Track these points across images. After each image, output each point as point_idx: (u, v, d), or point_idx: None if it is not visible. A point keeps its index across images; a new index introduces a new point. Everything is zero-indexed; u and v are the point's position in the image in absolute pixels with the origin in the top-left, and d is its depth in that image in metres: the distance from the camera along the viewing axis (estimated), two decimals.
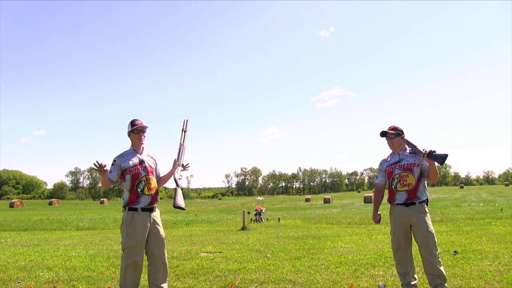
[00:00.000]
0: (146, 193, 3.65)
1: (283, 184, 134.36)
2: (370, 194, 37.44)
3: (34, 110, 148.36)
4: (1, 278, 5.02)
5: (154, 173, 3.83)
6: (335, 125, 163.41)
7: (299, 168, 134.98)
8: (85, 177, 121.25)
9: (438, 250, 3.69)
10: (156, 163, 3.92)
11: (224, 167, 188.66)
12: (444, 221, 12.57)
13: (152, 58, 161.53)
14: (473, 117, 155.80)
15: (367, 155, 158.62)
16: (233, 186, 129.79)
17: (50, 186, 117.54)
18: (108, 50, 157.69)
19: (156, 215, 3.78)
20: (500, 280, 4.21)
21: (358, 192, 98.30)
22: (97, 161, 3.43)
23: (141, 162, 3.73)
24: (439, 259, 3.67)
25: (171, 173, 3.90)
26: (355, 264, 5.38)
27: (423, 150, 3.70)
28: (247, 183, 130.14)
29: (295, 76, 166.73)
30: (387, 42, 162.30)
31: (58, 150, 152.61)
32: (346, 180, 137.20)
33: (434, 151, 3.61)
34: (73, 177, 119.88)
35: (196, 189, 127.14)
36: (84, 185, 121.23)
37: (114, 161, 3.64)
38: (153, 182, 3.75)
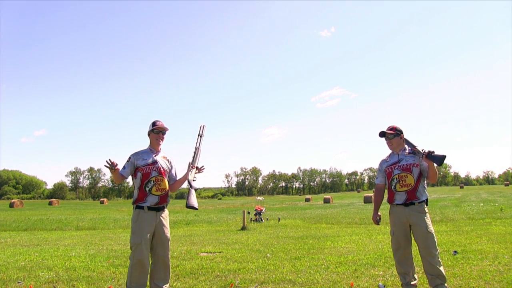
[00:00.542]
0: (154, 193, 3.68)
1: (283, 184, 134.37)
2: (370, 194, 37.44)
3: (34, 110, 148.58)
4: (1, 278, 5.02)
5: (167, 175, 3.85)
6: (335, 125, 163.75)
7: (299, 168, 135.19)
8: (85, 177, 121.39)
9: (438, 250, 3.69)
10: (171, 166, 3.94)
11: (224, 167, 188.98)
12: (444, 221, 12.57)
13: (152, 58, 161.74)
14: (473, 117, 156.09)
15: (367, 155, 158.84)
16: (233, 186, 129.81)
17: (50, 186, 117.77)
18: (108, 50, 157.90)
19: (164, 215, 3.79)
20: (500, 280, 4.21)
21: (358, 192, 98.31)
22: (109, 159, 3.50)
23: (154, 162, 3.77)
24: (439, 259, 3.67)
25: (186, 176, 3.94)
26: (355, 264, 5.38)
27: (422, 150, 3.71)
28: (247, 183, 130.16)
29: (296, 76, 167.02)
30: (388, 42, 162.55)
31: (58, 150, 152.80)
32: (346, 180, 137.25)
33: (433, 152, 3.61)
34: (73, 177, 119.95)
35: (196, 189, 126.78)
36: (84, 185, 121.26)
37: (130, 158, 3.73)
38: (164, 184, 3.76)
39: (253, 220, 15.10)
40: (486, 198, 29.21)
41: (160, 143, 3.87)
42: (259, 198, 24.88)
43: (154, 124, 3.82)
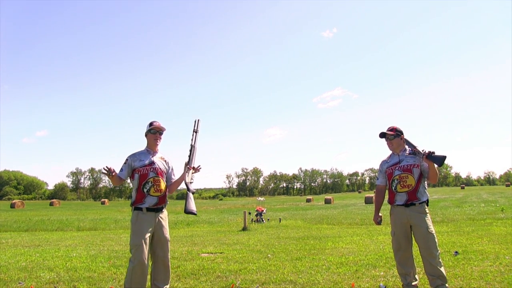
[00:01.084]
0: (152, 194, 3.67)
1: (284, 184, 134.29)
2: (371, 194, 37.41)
3: (36, 111, 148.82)
4: (2, 278, 5.03)
5: (164, 176, 3.82)
6: (336, 125, 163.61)
7: (300, 168, 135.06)
8: (86, 177, 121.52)
9: (439, 251, 3.69)
10: (169, 167, 3.91)
11: (225, 167, 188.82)
12: (445, 222, 12.56)
13: (154, 58, 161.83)
14: (474, 118, 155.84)
15: (368, 156, 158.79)
16: (234, 186, 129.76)
17: (51, 186, 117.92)
18: (109, 50, 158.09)
19: (163, 216, 3.78)
20: (501, 281, 4.20)
21: (359, 192, 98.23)
22: (106, 166, 3.49)
23: (151, 163, 3.74)
24: (440, 259, 3.67)
25: (183, 177, 3.87)
26: (356, 264, 5.38)
27: (423, 151, 3.71)
28: (248, 183, 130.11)
29: (297, 77, 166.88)
30: (389, 43, 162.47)
31: (60, 150, 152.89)
32: (347, 181, 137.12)
33: (433, 152, 3.61)
34: (74, 178, 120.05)
35: (197, 189, 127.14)
36: (85, 186, 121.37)
37: (127, 159, 3.72)
38: (162, 184, 3.75)
39: (254, 221, 15.09)
40: (487, 198, 29.15)
41: (158, 143, 3.83)
42: (260, 198, 24.91)
43: (151, 124, 3.79)
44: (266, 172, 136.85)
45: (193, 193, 3.80)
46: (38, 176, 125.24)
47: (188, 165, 3.86)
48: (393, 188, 3.83)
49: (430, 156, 3.62)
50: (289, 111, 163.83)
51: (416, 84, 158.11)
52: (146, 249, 3.57)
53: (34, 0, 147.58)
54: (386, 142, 3.96)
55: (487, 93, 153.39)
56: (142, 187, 3.65)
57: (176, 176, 3.96)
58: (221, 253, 6.90)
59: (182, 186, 3.88)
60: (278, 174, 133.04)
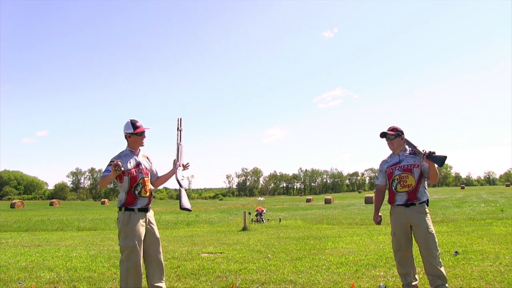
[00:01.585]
0: (143, 195, 3.67)
1: (284, 184, 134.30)
2: (371, 194, 37.40)
3: (36, 111, 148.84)
4: (2, 278, 5.03)
5: (149, 174, 3.82)
6: (337, 125, 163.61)
7: (300, 168, 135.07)
8: (86, 177, 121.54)
9: (439, 251, 3.69)
10: (151, 162, 3.90)
11: (225, 167, 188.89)
12: (445, 222, 12.56)
13: (154, 58, 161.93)
14: (474, 118, 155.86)
15: (368, 156, 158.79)
16: (234, 186, 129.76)
17: (51, 186, 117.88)
18: (110, 50, 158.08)
19: (151, 215, 3.78)
20: (501, 281, 4.20)
21: (359, 192, 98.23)
22: (118, 162, 3.43)
23: (138, 164, 3.72)
24: (440, 259, 3.67)
25: (172, 173, 3.88)
26: (356, 264, 5.38)
27: (423, 151, 3.71)
28: (248, 183, 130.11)
29: (298, 77, 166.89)
30: (390, 43, 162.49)
31: (60, 150, 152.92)
32: (347, 181, 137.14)
33: (434, 152, 3.61)
34: (74, 178, 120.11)
35: (197, 189, 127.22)
36: (85, 186, 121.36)
37: (112, 161, 3.59)
38: (149, 184, 3.76)
39: (254, 221, 15.09)
40: (487, 198, 29.15)
41: (143, 145, 3.80)
42: (260, 198, 24.92)
43: (134, 126, 3.69)
44: (266, 172, 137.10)
45: (185, 189, 3.80)
46: (38, 176, 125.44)
47: (178, 163, 3.86)
48: (393, 188, 3.83)
49: (431, 156, 3.61)
50: (289, 111, 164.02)
51: (416, 84, 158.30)
52: (140, 250, 3.56)
53: (34, 0, 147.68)
54: (386, 142, 3.96)
55: (487, 93, 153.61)
56: (134, 189, 3.62)
57: (159, 171, 3.96)
58: (221, 253, 6.90)
59: (173, 185, 3.86)
60: (278, 174, 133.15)
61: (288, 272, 5.02)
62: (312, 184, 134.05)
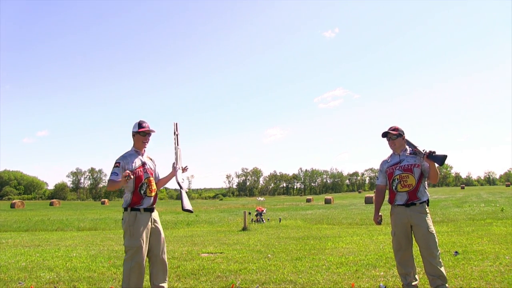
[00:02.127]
0: (148, 195, 3.71)
1: (284, 184, 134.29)
2: (371, 194, 37.38)
3: (37, 111, 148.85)
4: (2, 278, 5.03)
5: (154, 175, 3.88)
6: (337, 125, 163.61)
7: (300, 168, 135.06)
8: (86, 177, 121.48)
9: (439, 251, 3.69)
10: (155, 165, 3.96)
11: (225, 167, 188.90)
12: (445, 222, 12.56)
13: (154, 58, 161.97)
14: (474, 118, 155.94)
15: (368, 156, 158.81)
16: (234, 186, 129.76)
17: (51, 186, 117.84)
18: (110, 50, 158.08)
19: (155, 215, 3.81)
20: (501, 281, 4.20)
21: (359, 192, 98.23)
22: (129, 172, 3.48)
23: (143, 164, 3.77)
24: (440, 259, 3.67)
25: (171, 175, 3.96)
26: (356, 264, 5.38)
27: (423, 150, 3.71)
28: (248, 183, 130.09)
29: (299, 77, 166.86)
30: (390, 43, 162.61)
31: (60, 150, 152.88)
32: (347, 181, 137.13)
33: (434, 152, 3.61)
34: (74, 178, 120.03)
35: (197, 189, 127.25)
36: (85, 186, 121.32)
37: (118, 163, 3.63)
38: (154, 184, 3.82)
39: (254, 221, 15.09)
40: (487, 198, 29.14)
41: (146, 146, 3.84)
42: (260, 198, 24.89)
43: (140, 125, 3.77)
44: (266, 172, 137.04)
45: (186, 191, 3.90)
46: (38, 176, 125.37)
47: (177, 166, 3.95)
48: (394, 188, 3.83)
49: (431, 155, 3.62)
50: (290, 111, 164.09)
51: (417, 85, 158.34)
52: (145, 250, 3.59)
53: (34, 0, 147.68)
54: (388, 142, 3.96)
55: (488, 93, 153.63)
56: (139, 189, 3.66)
57: (161, 173, 4.04)
58: (221, 253, 6.90)
59: (173, 185, 3.94)
60: (278, 174, 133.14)
61: (288, 272, 5.02)
62: (312, 184, 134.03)
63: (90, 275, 5.07)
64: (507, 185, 72.24)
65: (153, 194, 3.75)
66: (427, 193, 3.84)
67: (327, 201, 39.68)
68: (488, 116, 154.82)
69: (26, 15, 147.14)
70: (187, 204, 3.75)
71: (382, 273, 4.81)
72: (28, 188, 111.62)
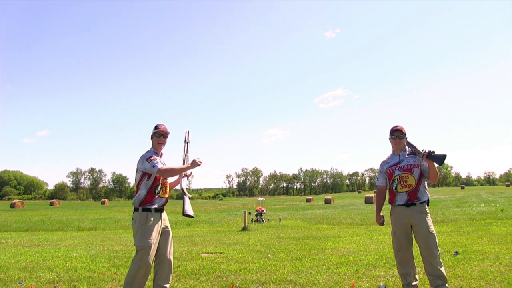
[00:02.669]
0: (161, 195, 3.76)
1: (284, 184, 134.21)
2: (371, 194, 37.41)
3: (37, 111, 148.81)
4: (2, 278, 5.03)
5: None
6: (337, 125, 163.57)
7: (300, 168, 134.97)
8: (86, 177, 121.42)
9: (439, 251, 3.69)
10: None
11: (225, 167, 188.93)
12: (445, 222, 12.56)
13: (154, 58, 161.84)
14: (474, 118, 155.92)
15: (368, 156, 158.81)
16: (234, 186, 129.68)
17: (51, 186, 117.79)
18: (110, 50, 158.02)
19: (165, 216, 3.86)
20: (501, 281, 4.20)
21: (359, 192, 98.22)
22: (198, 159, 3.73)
23: (162, 165, 3.81)
24: (440, 259, 3.67)
25: (177, 182, 4.04)
26: (356, 264, 5.38)
27: (422, 150, 3.71)
28: (248, 183, 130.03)
29: (299, 77, 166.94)
30: (391, 43, 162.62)
31: (60, 150, 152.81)
32: (347, 181, 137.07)
33: (433, 152, 3.62)
34: (74, 178, 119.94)
35: (197, 189, 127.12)
36: (85, 186, 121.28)
37: (153, 157, 3.70)
38: (168, 186, 3.89)
39: (254, 221, 15.09)
40: (487, 198, 29.15)
41: (162, 147, 3.91)
42: (260, 198, 24.92)
43: (156, 127, 3.87)
44: (266, 172, 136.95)
45: (190, 198, 3.98)
46: (38, 176, 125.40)
47: (183, 173, 4.00)
48: (394, 188, 3.84)
49: (430, 155, 3.62)
50: (290, 111, 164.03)
51: (417, 85, 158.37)
52: (154, 250, 3.64)
53: (34, 0, 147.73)
54: (391, 141, 3.95)
55: (487, 93, 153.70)
56: (155, 188, 3.71)
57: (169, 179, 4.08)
58: (221, 253, 6.90)
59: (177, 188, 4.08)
60: (278, 174, 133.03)
61: (288, 272, 5.02)
62: (312, 184, 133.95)
63: (90, 275, 5.07)
64: (507, 185, 72.26)
65: (166, 196, 3.82)
66: (427, 193, 3.84)
67: (327, 201, 39.68)
68: (488, 116, 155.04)
69: (26, 15, 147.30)
70: (189, 210, 3.82)
71: (382, 273, 4.81)
72: (28, 188, 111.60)
